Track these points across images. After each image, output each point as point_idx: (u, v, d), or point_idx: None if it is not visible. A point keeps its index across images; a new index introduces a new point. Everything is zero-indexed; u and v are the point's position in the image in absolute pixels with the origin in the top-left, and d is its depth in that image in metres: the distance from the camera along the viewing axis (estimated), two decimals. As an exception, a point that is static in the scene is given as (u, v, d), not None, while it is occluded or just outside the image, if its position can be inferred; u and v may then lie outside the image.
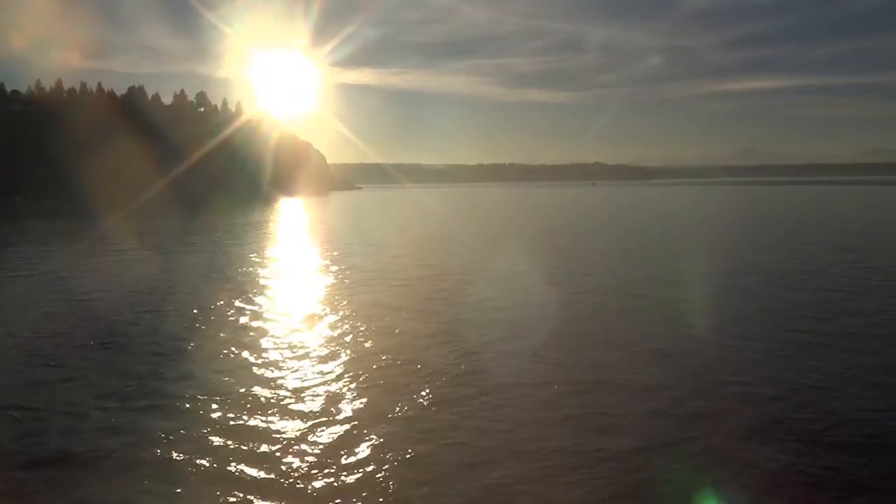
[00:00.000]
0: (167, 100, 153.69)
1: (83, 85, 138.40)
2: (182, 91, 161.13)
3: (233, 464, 10.43)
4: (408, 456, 10.66)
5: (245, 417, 12.37)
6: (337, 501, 9.32)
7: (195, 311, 22.14)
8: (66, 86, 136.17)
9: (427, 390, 13.75)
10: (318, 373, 15.07)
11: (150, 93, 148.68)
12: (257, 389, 13.90)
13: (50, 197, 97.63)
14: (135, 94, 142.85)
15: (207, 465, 10.44)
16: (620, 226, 64.19)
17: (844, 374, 14.47)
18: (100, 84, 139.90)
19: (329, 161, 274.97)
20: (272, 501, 9.37)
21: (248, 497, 9.46)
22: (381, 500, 9.34)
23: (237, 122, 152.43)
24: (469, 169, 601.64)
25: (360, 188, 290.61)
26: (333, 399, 13.37)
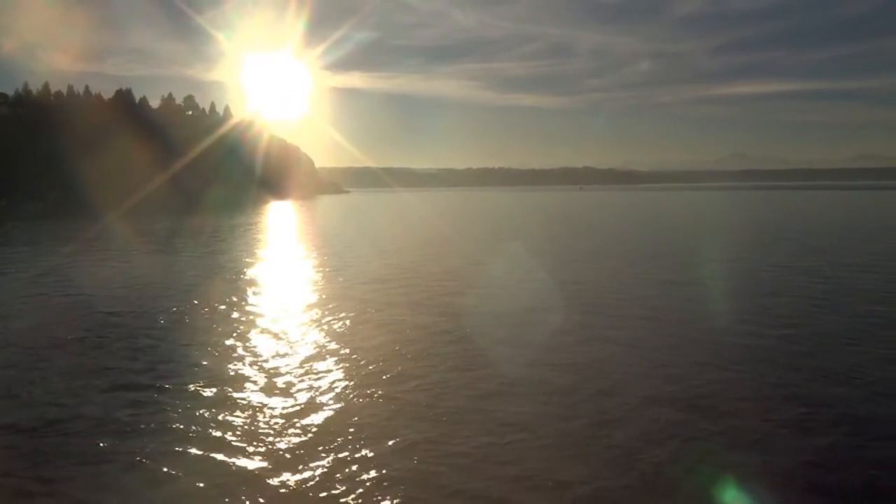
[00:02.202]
0: (155, 103, 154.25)
1: (70, 88, 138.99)
2: (170, 94, 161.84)
3: (201, 431, 11.36)
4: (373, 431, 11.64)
5: (215, 399, 13.28)
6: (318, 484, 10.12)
7: (173, 307, 23.00)
8: (54, 88, 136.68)
9: (374, 373, 14.74)
10: (283, 358, 16.01)
11: (138, 96, 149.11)
12: (226, 376, 14.82)
13: (36, 199, 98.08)
14: (122, 97, 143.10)
15: (180, 441, 11.27)
16: (590, 228, 65.39)
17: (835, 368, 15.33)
18: (87, 87, 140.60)
19: (319, 165, 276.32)
20: (252, 466, 10.23)
21: (229, 469, 10.26)
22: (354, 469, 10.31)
23: (226, 126, 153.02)
24: (459, 173, 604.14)
25: (348, 192, 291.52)
26: (301, 383, 14.30)
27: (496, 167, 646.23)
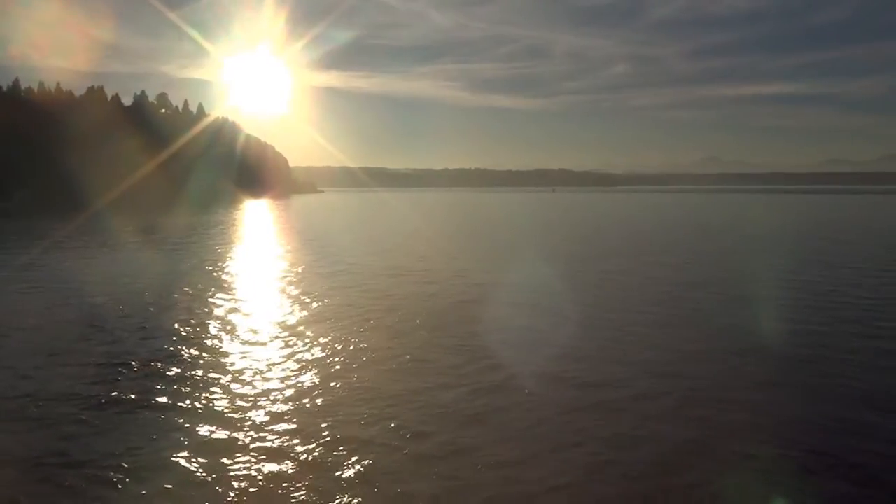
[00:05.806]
0: (127, 100, 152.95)
1: (41, 84, 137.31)
2: (143, 92, 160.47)
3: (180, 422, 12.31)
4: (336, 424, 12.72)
5: (187, 391, 14.27)
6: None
7: (140, 300, 23.76)
8: (24, 85, 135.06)
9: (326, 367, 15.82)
10: (239, 353, 17.01)
11: (110, 93, 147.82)
12: (195, 369, 15.80)
13: (2, 198, 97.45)
14: (93, 94, 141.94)
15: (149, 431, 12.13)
16: (543, 229, 67.00)
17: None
18: (59, 84, 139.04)
19: (297, 164, 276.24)
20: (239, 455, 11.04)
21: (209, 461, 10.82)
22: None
23: (199, 125, 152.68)
24: (436, 173, 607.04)
25: (322, 191, 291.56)
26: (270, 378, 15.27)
27: (473, 168, 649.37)
